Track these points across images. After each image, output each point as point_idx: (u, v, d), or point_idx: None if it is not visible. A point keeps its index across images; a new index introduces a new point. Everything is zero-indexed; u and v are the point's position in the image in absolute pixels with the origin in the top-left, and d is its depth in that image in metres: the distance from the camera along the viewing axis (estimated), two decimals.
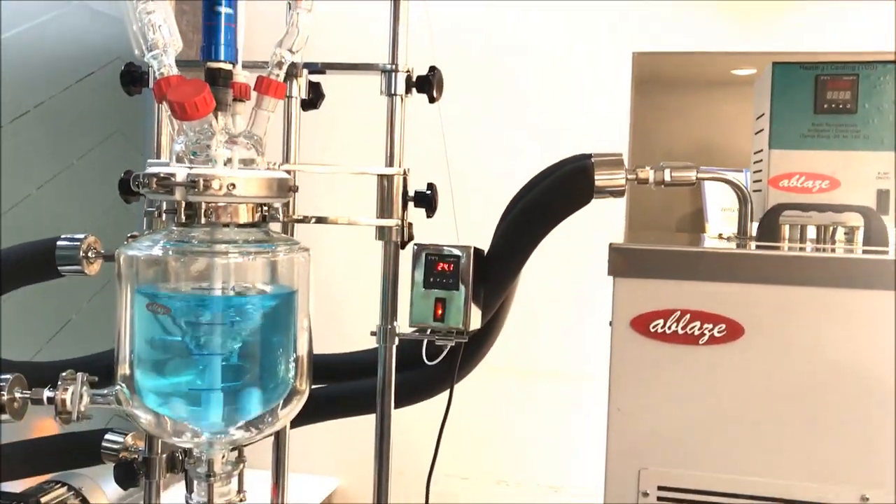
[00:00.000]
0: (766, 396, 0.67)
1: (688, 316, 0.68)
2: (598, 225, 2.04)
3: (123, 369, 0.90)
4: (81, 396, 0.86)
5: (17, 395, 0.87)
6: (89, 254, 0.99)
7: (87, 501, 1.20)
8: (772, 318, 0.67)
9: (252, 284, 0.90)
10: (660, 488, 0.69)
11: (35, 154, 1.64)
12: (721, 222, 2.40)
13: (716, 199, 2.35)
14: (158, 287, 0.87)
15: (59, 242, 0.99)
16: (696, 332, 0.68)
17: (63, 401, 0.86)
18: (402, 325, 1.05)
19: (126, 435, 1.14)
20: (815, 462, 0.68)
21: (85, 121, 1.78)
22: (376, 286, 1.04)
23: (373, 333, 1.04)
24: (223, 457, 0.93)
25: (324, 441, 2.22)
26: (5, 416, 0.86)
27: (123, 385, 0.87)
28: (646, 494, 0.69)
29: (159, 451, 1.08)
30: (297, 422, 1.13)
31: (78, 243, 0.99)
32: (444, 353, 1.07)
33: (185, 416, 0.90)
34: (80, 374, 0.87)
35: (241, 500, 0.95)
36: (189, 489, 0.99)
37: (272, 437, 1.09)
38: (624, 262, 0.70)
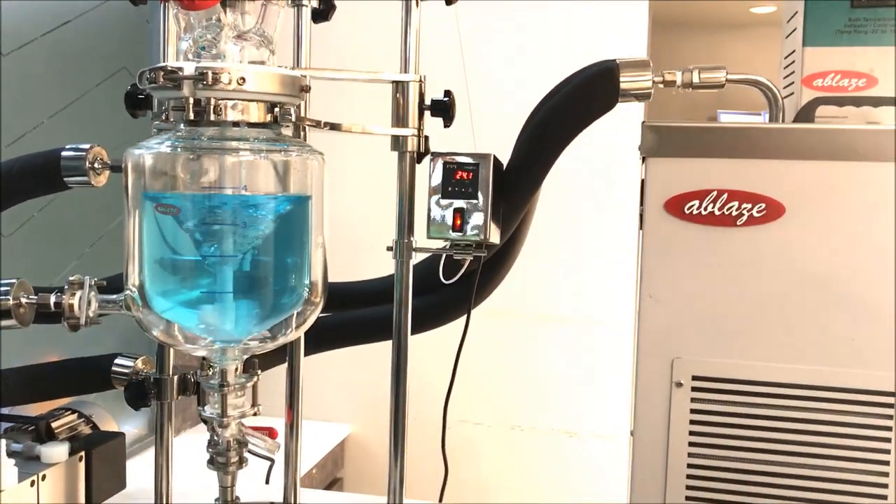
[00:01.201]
0: (806, 279, 0.63)
1: (725, 196, 0.64)
2: (614, 163, 2.00)
3: (133, 278, 0.87)
4: (90, 302, 0.84)
5: (24, 300, 0.85)
6: (95, 164, 0.96)
7: (98, 427, 1.18)
8: (814, 195, 0.63)
9: (264, 186, 0.86)
10: (694, 378, 0.66)
11: (38, 87, 1.60)
12: None
13: None
14: (167, 188, 0.84)
15: (63, 153, 0.96)
16: (734, 213, 0.64)
17: (70, 306, 0.83)
18: (420, 242, 1.02)
19: (136, 359, 1.12)
20: (857, 348, 0.65)
21: (88, 57, 1.74)
22: (391, 201, 1.01)
23: (389, 248, 1.00)
24: (236, 368, 0.90)
25: (336, 388, 2.20)
26: (10, 322, 0.84)
27: (134, 289, 0.84)
28: (679, 385, 0.66)
29: (170, 373, 1.06)
30: (310, 349, 1.10)
31: (84, 153, 0.95)
32: (462, 271, 1.03)
33: (196, 323, 0.88)
34: (86, 278, 0.84)
35: (254, 414, 0.93)
36: (201, 402, 0.97)
37: (285, 382, 1.06)
38: (658, 141, 0.66)
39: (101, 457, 1.11)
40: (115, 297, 0.85)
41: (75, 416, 1.17)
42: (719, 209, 0.64)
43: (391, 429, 1.02)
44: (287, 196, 0.87)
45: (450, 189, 0.95)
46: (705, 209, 0.65)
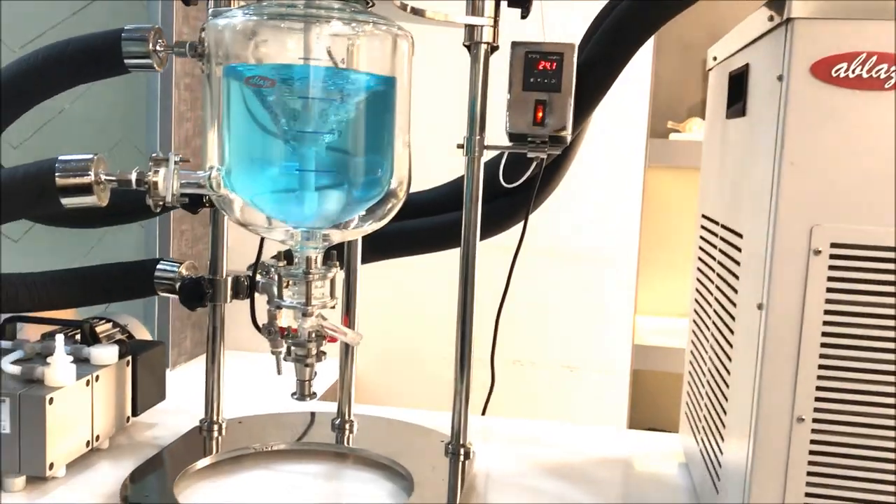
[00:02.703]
0: None
1: (875, 58, 0.63)
2: (625, 120, 1.99)
3: (212, 159, 0.83)
4: (174, 179, 0.79)
5: (103, 177, 0.80)
6: (157, 47, 0.90)
7: (133, 336, 1.14)
8: None
9: (355, 61, 0.83)
10: (833, 245, 0.66)
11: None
12: None
13: None
14: (255, 59, 0.80)
15: (125, 32, 0.90)
16: (882, 76, 0.63)
17: (155, 183, 0.79)
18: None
19: (180, 264, 1.07)
20: None
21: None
22: (461, 99, 0.98)
23: (459, 146, 0.97)
24: (315, 258, 0.87)
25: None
26: (91, 199, 0.79)
27: (221, 167, 0.80)
28: (817, 252, 0.66)
29: (224, 274, 1.02)
30: (367, 257, 1.07)
31: (146, 34, 0.90)
32: (529, 172, 1.01)
33: (278, 207, 0.84)
34: (170, 154, 0.80)
35: (333, 307, 0.90)
36: (270, 301, 0.94)
37: (342, 289, 1.03)
38: (806, 3, 0.65)
39: (145, 363, 1.07)
40: (199, 174, 0.80)
41: (110, 325, 1.13)
42: (867, 72, 0.64)
43: (458, 340, 1.00)
44: (376, 76, 0.84)
45: (531, 80, 0.92)
46: (853, 72, 0.64)
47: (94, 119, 1.68)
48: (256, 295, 1.02)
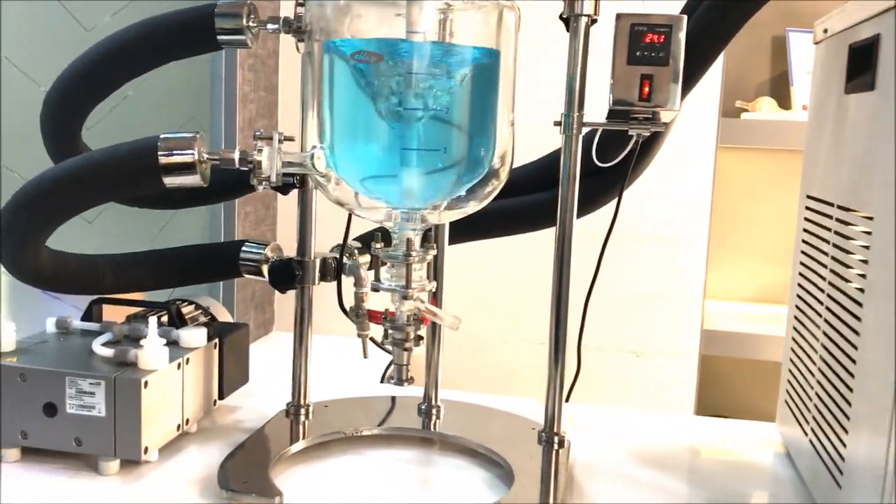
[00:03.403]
0: None
1: None
2: (696, 98, 1.94)
3: (313, 139, 0.80)
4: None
5: (205, 155, 0.78)
6: (251, 23, 0.88)
7: (215, 318, 1.12)
8: None
9: (462, 36, 0.79)
10: None
11: None
12: (807, 86, 2.29)
13: (801, 62, 2.24)
14: (355, 35, 0.77)
15: (216, 9, 0.88)
16: None
17: (259, 162, 0.77)
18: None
19: (265, 246, 1.05)
20: None
21: None
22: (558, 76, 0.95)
23: (556, 123, 0.94)
24: (415, 240, 0.84)
25: None
26: (194, 178, 0.77)
27: (325, 146, 0.77)
28: None
29: (312, 256, 0.99)
30: (461, 237, 1.04)
31: (240, 10, 0.87)
32: (629, 148, 0.97)
33: (379, 187, 0.82)
34: (274, 132, 0.77)
35: (432, 290, 0.87)
36: (358, 283, 0.92)
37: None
38: None
39: (231, 346, 1.05)
40: (300, 153, 0.78)
41: (193, 307, 1.12)
42: None
43: (552, 325, 0.97)
44: (484, 49, 0.80)
45: (637, 54, 0.88)
46: None
47: (157, 103, 1.68)
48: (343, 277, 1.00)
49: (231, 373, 1.06)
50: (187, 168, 0.76)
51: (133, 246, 1.09)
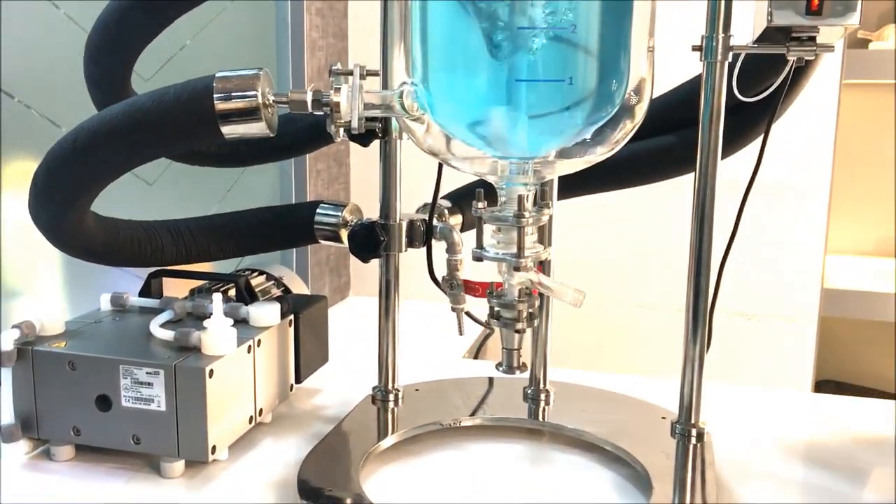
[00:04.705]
0: None
1: None
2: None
3: (402, 74, 0.65)
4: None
5: (271, 98, 0.63)
6: None
7: (289, 290, 0.99)
8: None
9: None
10: None
11: None
12: None
13: None
14: None
15: None
16: None
17: (337, 104, 0.61)
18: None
19: (343, 207, 0.91)
20: None
21: None
22: None
23: (696, 48, 0.76)
24: (527, 197, 0.68)
25: None
26: (258, 126, 0.62)
27: (418, 82, 0.62)
28: None
29: (398, 219, 0.84)
30: (566, 192, 0.87)
31: None
32: (783, 76, 0.79)
33: (485, 130, 0.65)
34: (355, 66, 0.62)
35: (546, 258, 0.72)
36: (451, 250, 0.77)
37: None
38: None
39: (307, 322, 0.92)
40: (385, 92, 0.62)
41: (263, 277, 0.98)
42: None
43: (690, 292, 0.81)
44: None
45: None
46: None
47: (217, 53, 1.54)
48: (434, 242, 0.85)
49: (309, 353, 0.92)
50: (249, 114, 0.62)
51: (196, 210, 0.96)
